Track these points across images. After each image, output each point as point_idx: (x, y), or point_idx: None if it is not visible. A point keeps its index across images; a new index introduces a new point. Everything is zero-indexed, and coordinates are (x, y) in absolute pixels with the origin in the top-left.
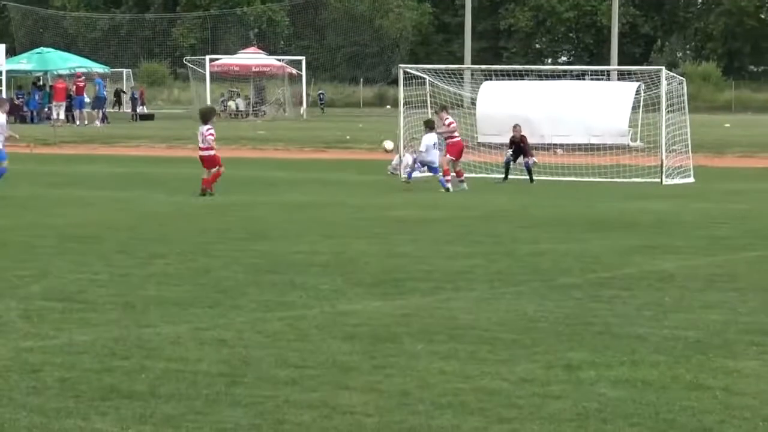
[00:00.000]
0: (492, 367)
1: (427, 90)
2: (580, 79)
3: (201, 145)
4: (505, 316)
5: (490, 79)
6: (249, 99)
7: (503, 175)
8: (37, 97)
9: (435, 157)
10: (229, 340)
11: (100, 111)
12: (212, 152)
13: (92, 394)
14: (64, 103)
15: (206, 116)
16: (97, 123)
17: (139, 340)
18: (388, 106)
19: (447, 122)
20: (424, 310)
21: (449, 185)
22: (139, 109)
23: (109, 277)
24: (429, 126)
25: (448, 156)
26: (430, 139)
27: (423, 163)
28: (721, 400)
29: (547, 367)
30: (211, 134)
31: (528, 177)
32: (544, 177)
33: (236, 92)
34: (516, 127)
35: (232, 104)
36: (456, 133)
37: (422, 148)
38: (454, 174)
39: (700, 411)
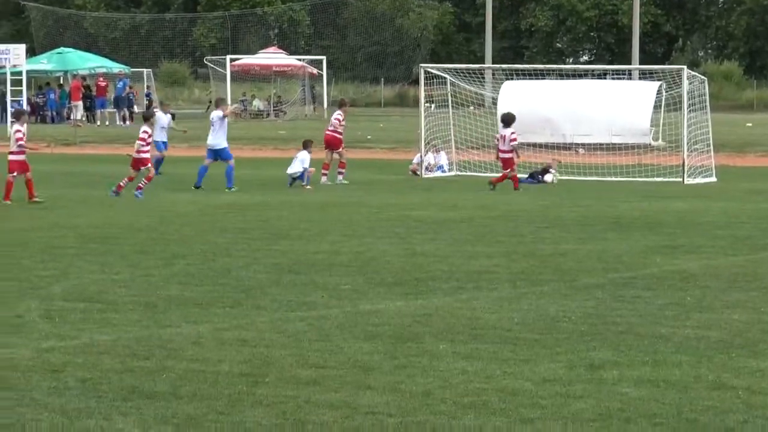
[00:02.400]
0: (514, 367)
1: (448, 89)
2: (601, 78)
3: (503, 147)
4: (527, 315)
5: (512, 79)
6: (270, 99)
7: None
8: (53, 97)
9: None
10: (251, 340)
11: (123, 110)
12: (511, 154)
13: (114, 395)
14: (80, 103)
15: (509, 120)
16: (126, 122)
17: (161, 340)
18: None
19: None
20: (445, 310)
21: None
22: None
23: (131, 277)
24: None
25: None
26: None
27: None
28: (743, 399)
29: (570, 366)
30: (514, 138)
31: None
32: (565, 177)
33: (252, 95)
34: None
35: (256, 104)
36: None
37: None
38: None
39: (723, 411)
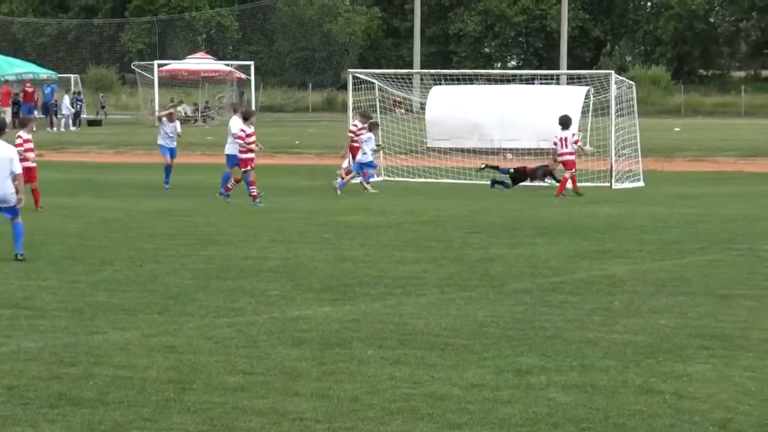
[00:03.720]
0: (442, 373)
1: (377, 95)
2: (529, 83)
3: (564, 150)
4: (455, 321)
5: (440, 84)
6: (197, 105)
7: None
8: None
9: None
10: (178, 347)
11: (52, 117)
12: (574, 156)
13: (40, 402)
14: (9, 109)
15: (568, 122)
16: (52, 129)
17: (88, 346)
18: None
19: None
20: (373, 316)
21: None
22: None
23: (58, 283)
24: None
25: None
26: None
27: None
28: (671, 404)
29: (498, 372)
30: (577, 140)
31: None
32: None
33: (179, 100)
34: None
35: (181, 109)
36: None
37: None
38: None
39: (650, 415)
